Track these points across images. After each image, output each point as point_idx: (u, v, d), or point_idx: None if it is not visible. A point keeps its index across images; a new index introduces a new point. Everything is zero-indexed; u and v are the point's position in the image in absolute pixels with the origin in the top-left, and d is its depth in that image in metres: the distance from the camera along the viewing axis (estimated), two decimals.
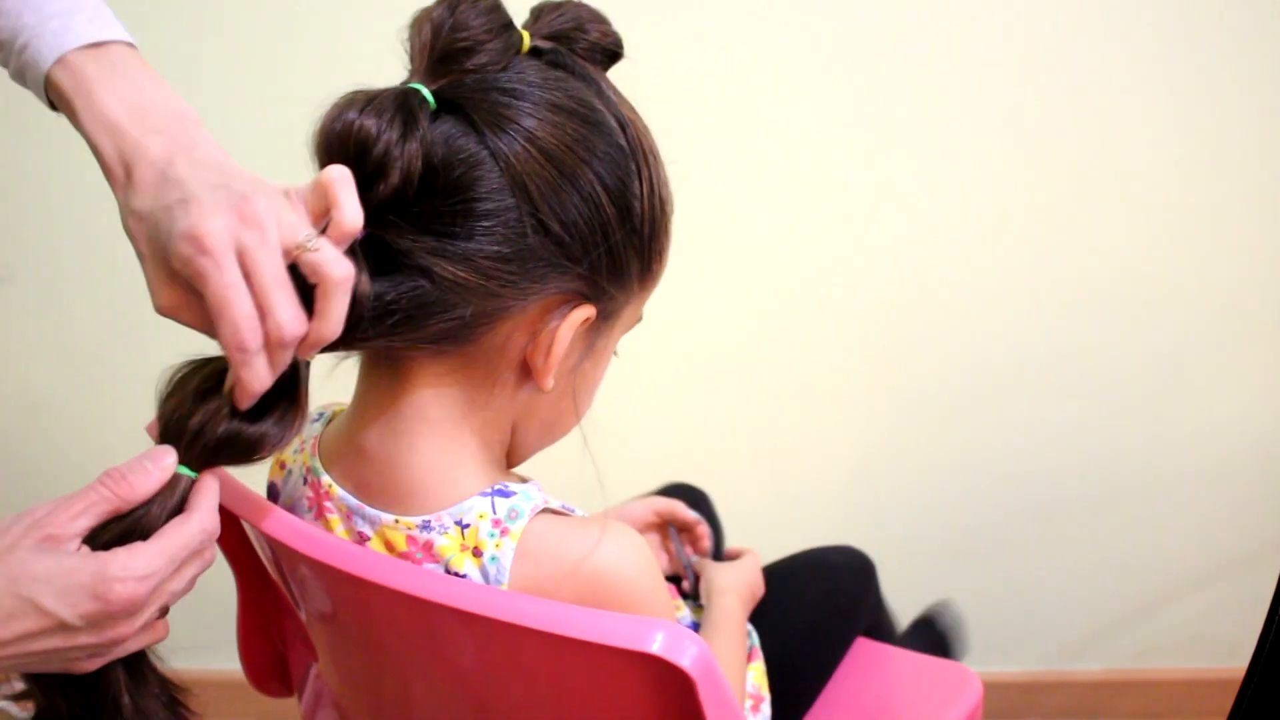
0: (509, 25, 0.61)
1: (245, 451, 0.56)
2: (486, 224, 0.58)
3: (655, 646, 0.52)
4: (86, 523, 0.52)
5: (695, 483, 1.18)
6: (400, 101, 0.57)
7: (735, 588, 0.93)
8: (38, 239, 1.37)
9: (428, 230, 0.58)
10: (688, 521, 1.02)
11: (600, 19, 0.66)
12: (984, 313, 1.40)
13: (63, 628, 0.49)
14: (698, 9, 1.27)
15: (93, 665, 0.53)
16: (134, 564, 0.51)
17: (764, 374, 1.43)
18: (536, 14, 0.65)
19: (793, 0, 1.27)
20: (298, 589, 0.69)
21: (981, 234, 1.37)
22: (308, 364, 0.58)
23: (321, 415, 0.72)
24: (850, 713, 1.00)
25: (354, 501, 0.65)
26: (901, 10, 1.27)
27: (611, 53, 0.67)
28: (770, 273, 1.38)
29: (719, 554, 1.08)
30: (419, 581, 0.58)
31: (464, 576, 0.61)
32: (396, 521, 0.63)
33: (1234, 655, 1.48)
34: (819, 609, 1.03)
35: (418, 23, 0.60)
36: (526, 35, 0.63)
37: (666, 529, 1.03)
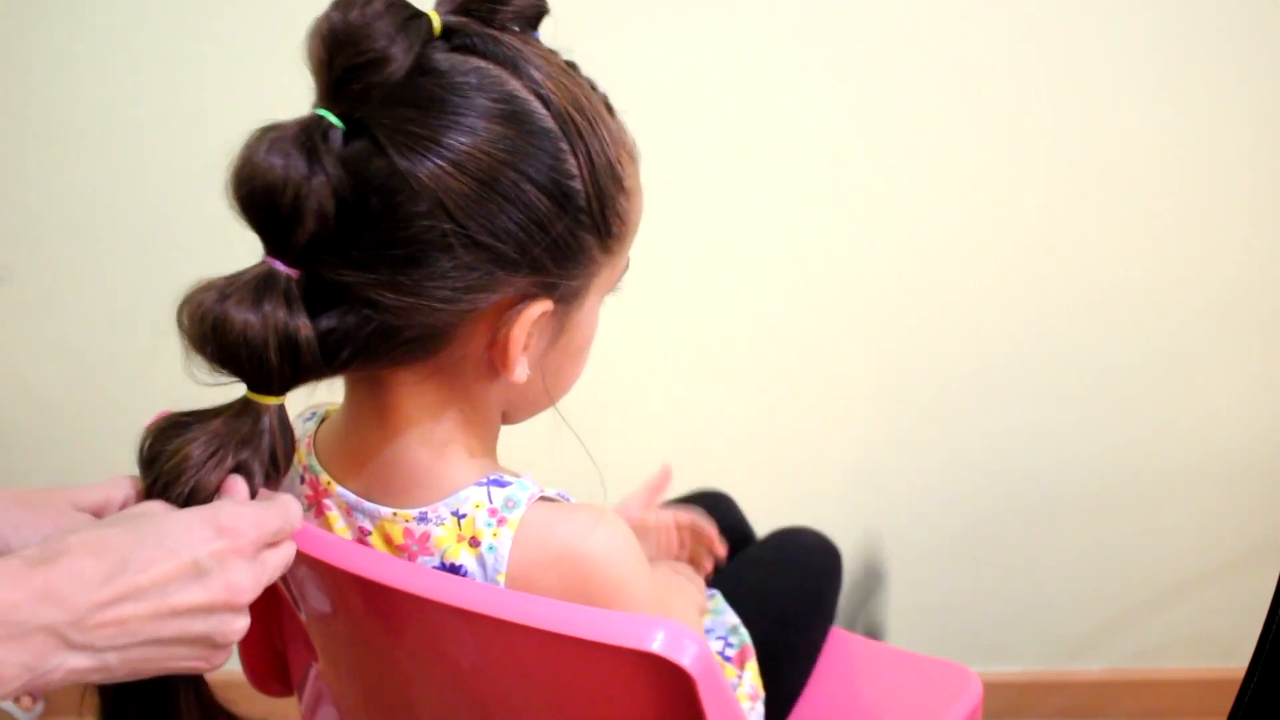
0: (411, 18, 0.56)
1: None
2: (415, 249, 0.56)
3: (655, 645, 0.52)
4: None
5: (697, 479, 1.18)
6: (303, 137, 0.54)
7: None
8: (38, 239, 1.37)
9: (359, 264, 0.56)
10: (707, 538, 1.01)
11: None
12: (983, 312, 1.40)
13: (195, 570, 0.50)
14: (700, 9, 1.27)
15: (208, 657, 0.53)
16: (240, 509, 0.54)
17: (763, 373, 1.43)
18: None
19: (793, 1, 1.27)
20: (297, 588, 0.69)
21: (980, 233, 1.37)
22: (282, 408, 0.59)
23: (314, 414, 0.72)
24: (850, 712, 1.00)
25: (353, 498, 0.65)
26: (900, 12, 1.28)
27: (535, 16, 0.62)
28: (769, 272, 1.38)
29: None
30: (418, 579, 0.58)
31: (460, 567, 0.61)
32: (394, 514, 0.63)
33: (1234, 655, 1.48)
34: (795, 594, 1.04)
35: (312, 35, 0.56)
36: (435, 16, 0.58)
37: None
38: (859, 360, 1.42)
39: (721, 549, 1.01)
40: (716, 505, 1.17)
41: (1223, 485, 1.48)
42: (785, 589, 1.04)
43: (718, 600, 0.99)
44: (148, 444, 0.57)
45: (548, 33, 0.64)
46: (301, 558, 0.62)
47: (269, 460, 0.58)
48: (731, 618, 0.97)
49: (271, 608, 0.87)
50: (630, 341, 1.37)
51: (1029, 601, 1.54)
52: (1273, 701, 0.86)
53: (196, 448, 0.56)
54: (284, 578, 0.70)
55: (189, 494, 0.56)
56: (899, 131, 1.32)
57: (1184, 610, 1.55)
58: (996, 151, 1.33)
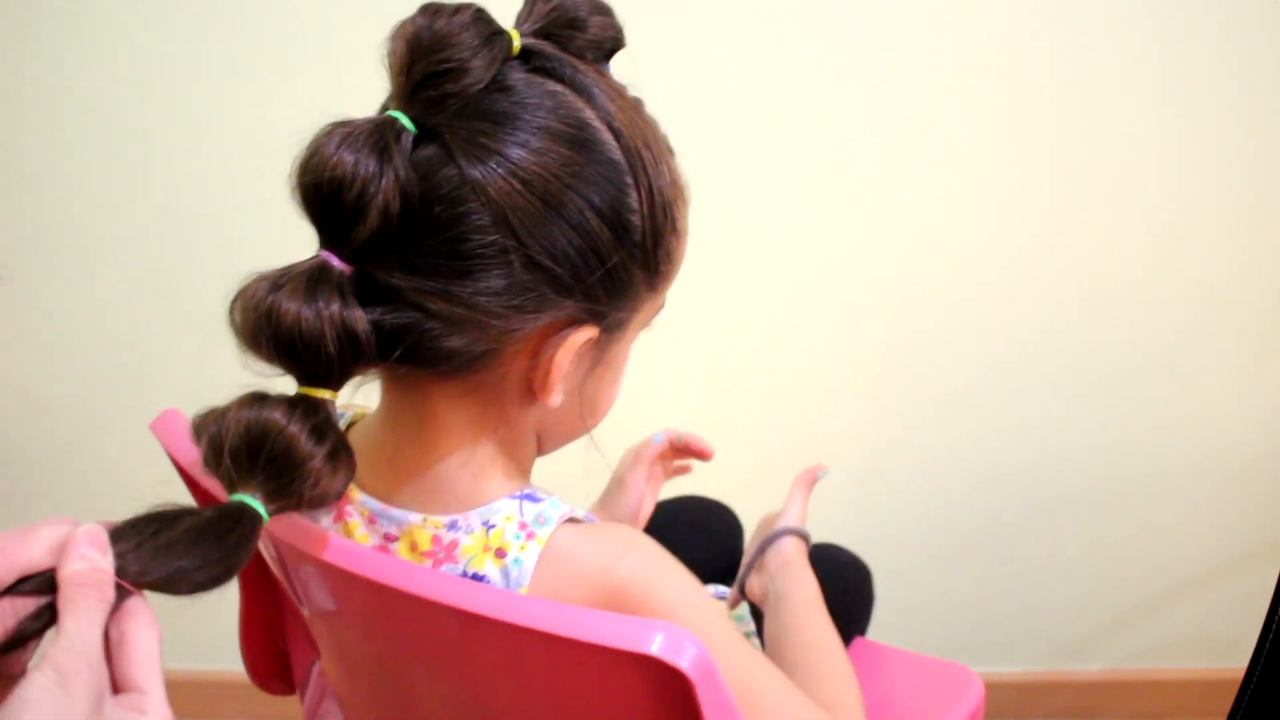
0: (494, 34, 0.57)
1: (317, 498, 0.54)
2: (472, 261, 0.56)
3: (654, 648, 0.52)
4: None
5: (696, 485, 1.18)
6: (376, 136, 0.54)
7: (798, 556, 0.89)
8: (38, 239, 1.37)
9: (414, 268, 0.56)
10: (692, 450, 0.97)
11: (600, 8, 0.62)
12: (985, 313, 1.40)
13: None
14: (705, 11, 1.27)
15: None
16: None
17: (765, 375, 1.43)
18: (530, 5, 0.61)
19: (799, 4, 1.27)
20: (301, 588, 0.69)
21: (983, 235, 1.37)
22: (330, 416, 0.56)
23: (342, 415, 0.71)
24: None
25: (378, 505, 0.64)
26: (904, 16, 1.28)
27: (611, 48, 0.63)
28: (772, 275, 1.38)
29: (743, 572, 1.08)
30: (420, 581, 0.58)
31: (483, 577, 0.61)
32: (424, 520, 0.63)
33: (1234, 655, 1.48)
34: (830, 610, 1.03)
35: (396, 38, 0.56)
36: (516, 36, 0.59)
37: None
38: (860, 361, 1.42)
39: (709, 450, 0.97)
40: (716, 517, 1.16)
41: (1223, 485, 1.48)
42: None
43: (741, 608, 0.98)
44: (238, 422, 0.53)
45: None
46: (306, 559, 0.62)
47: (328, 453, 0.55)
48: (748, 623, 0.97)
49: (274, 605, 0.87)
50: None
51: (1029, 601, 1.54)
52: (1273, 701, 0.86)
53: (294, 427, 0.53)
54: (288, 575, 0.70)
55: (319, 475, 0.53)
56: (900, 134, 1.32)
57: (1184, 610, 1.55)
58: (999, 153, 1.33)
